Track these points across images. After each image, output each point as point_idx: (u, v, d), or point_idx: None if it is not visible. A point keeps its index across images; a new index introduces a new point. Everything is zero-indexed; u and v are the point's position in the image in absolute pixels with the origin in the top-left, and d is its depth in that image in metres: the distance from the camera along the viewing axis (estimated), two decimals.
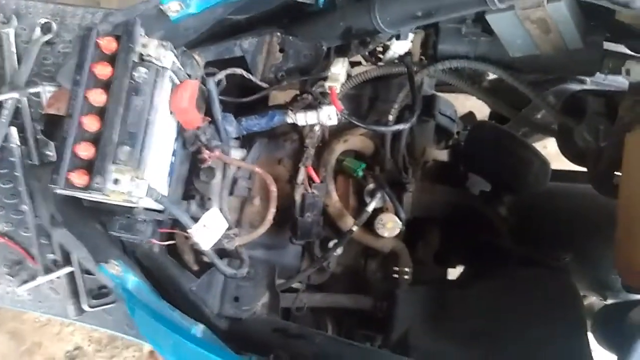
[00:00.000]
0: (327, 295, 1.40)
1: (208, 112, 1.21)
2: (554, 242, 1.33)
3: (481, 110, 1.51)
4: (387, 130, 1.36)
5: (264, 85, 1.29)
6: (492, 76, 1.41)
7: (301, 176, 1.29)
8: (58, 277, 1.61)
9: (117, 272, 1.08)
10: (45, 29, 1.74)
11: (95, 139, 0.96)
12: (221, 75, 1.23)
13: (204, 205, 1.27)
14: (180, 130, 1.16)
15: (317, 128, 1.30)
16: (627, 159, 1.08)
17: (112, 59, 1.00)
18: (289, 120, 1.27)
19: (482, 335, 1.19)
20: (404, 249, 1.37)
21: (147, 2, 1.14)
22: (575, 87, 1.30)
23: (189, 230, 1.08)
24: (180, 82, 1.09)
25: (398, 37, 1.27)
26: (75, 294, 1.61)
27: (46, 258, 1.63)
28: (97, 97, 0.97)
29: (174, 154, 1.15)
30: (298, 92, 1.37)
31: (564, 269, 1.29)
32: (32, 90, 1.67)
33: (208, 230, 1.10)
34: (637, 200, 1.06)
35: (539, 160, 1.36)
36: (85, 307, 1.60)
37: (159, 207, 1.09)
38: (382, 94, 1.44)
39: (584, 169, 1.29)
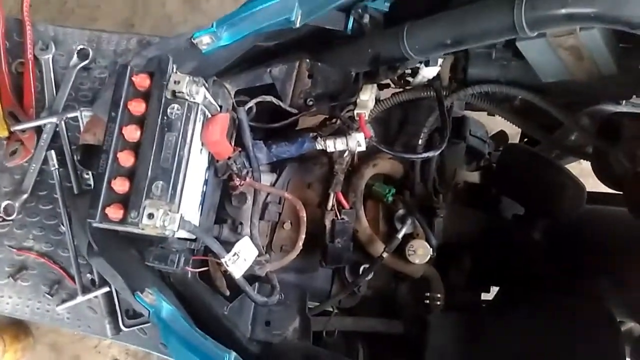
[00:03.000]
0: (358, 319, 1.40)
1: (238, 139, 1.23)
2: (589, 267, 1.30)
3: (513, 127, 1.48)
4: (416, 158, 1.36)
5: (294, 111, 1.30)
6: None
7: (331, 202, 1.30)
8: (95, 297, 1.65)
9: (151, 301, 1.10)
10: (82, 55, 1.79)
11: (130, 174, 0.99)
12: (251, 103, 1.25)
13: (235, 230, 1.29)
14: (212, 159, 1.18)
15: (346, 154, 1.31)
16: None
17: (146, 96, 1.02)
18: (319, 147, 1.27)
19: None
20: (436, 274, 1.36)
21: (179, 37, 1.16)
22: (610, 108, 1.27)
23: (222, 260, 1.10)
24: (212, 115, 1.11)
25: (427, 64, 1.26)
26: (112, 313, 1.65)
27: (84, 278, 1.67)
28: (132, 133, 1.00)
29: (205, 183, 1.17)
30: (327, 116, 1.38)
31: (600, 295, 1.26)
32: (70, 115, 1.71)
33: (239, 258, 1.12)
34: None
35: (573, 184, 1.32)
36: (122, 327, 1.64)
37: (192, 236, 1.11)
38: (412, 116, 1.42)
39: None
